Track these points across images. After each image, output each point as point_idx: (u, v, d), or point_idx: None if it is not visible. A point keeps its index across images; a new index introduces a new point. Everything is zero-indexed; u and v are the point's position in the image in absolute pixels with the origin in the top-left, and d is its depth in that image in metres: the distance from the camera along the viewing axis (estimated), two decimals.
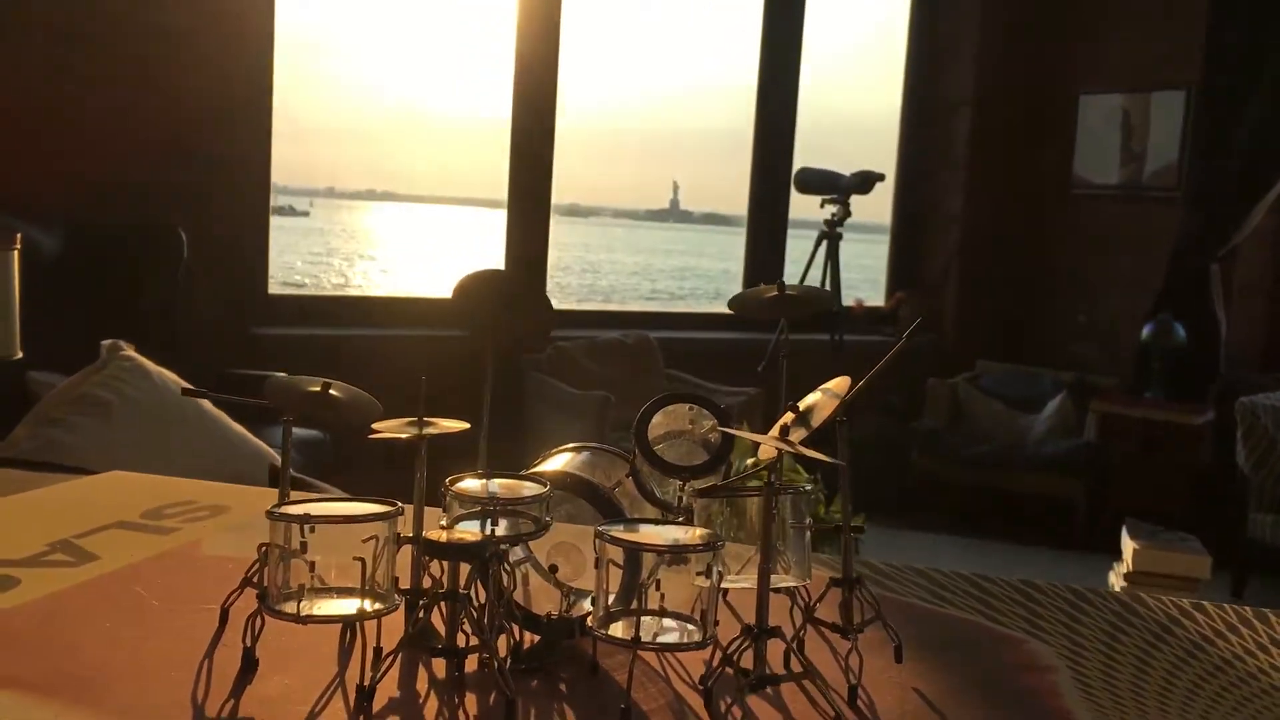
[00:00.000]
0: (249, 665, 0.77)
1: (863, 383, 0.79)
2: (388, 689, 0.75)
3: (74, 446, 1.92)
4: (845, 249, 4.96)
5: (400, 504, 0.78)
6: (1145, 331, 5.13)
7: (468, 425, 0.87)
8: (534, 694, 0.76)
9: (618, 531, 0.75)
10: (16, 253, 2.04)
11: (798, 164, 5.29)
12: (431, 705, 0.74)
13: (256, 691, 0.73)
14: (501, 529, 0.78)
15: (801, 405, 0.79)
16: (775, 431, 0.74)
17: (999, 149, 5.72)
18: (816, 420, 0.76)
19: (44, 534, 1.01)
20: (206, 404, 2.19)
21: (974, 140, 5.74)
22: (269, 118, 4.13)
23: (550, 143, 4.78)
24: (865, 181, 4.89)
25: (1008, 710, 0.77)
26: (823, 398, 0.79)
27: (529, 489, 0.80)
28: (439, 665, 0.79)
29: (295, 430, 0.85)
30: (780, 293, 0.87)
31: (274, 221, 4.48)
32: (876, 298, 6.24)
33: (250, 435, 2.05)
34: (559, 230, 5.22)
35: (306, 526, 0.77)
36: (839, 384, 0.79)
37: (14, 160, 3.67)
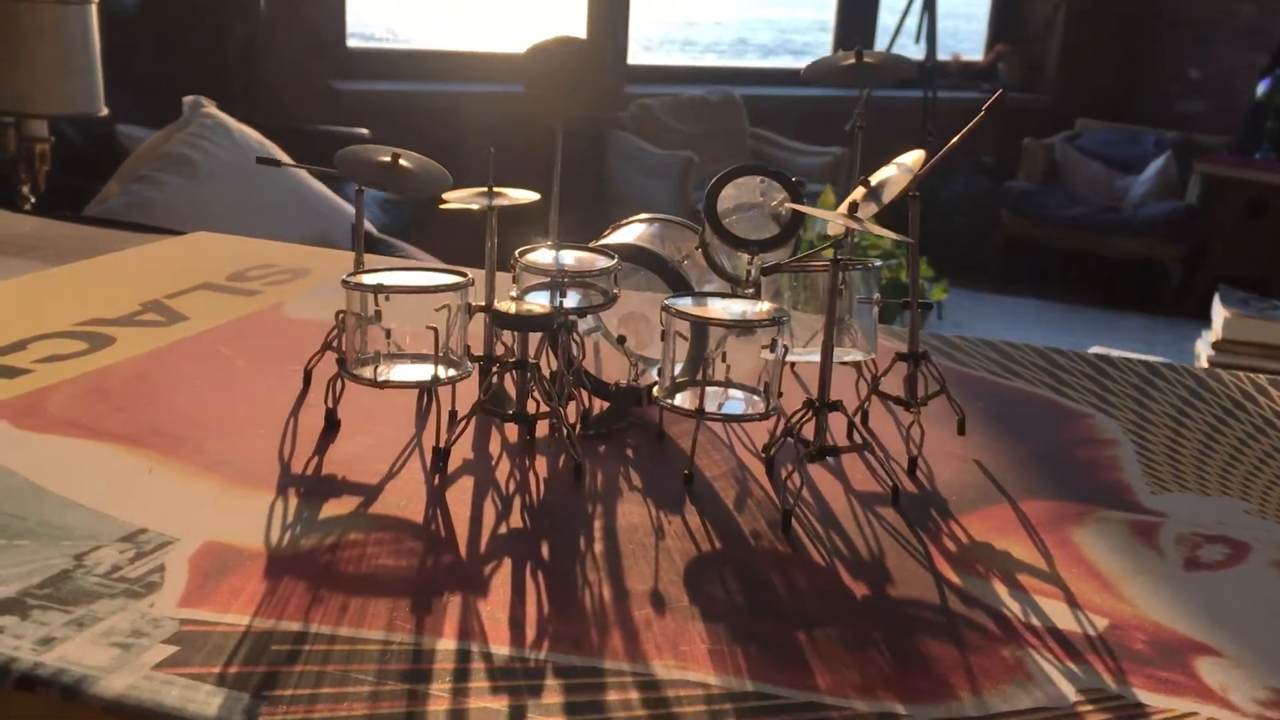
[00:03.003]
0: (331, 426, 0.80)
1: (937, 158, 0.77)
2: (462, 451, 0.78)
3: (161, 204, 1.96)
4: (942, 4, 4.73)
5: (471, 274, 0.79)
6: (1261, 88, 4.87)
7: (538, 196, 0.87)
8: (601, 458, 0.79)
9: (684, 305, 0.76)
10: (94, 6, 2.03)
11: None
12: (504, 466, 0.77)
13: (339, 450, 0.77)
14: (570, 301, 0.79)
15: (873, 180, 0.77)
16: (844, 208, 0.73)
17: None
18: (888, 196, 0.75)
19: (136, 294, 1.05)
20: (287, 159, 2.21)
21: None
22: None
23: None
24: None
25: (1064, 482, 0.78)
26: (896, 172, 0.77)
27: (598, 261, 0.80)
28: (511, 430, 0.82)
29: (376, 192, 0.85)
30: (858, 60, 0.84)
31: None
32: (975, 52, 5.97)
33: (332, 194, 2.07)
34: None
35: (380, 295, 0.79)
36: (915, 159, 0.77)
37: None
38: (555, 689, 0.52)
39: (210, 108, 2.31)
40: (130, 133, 2.76)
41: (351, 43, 4.46)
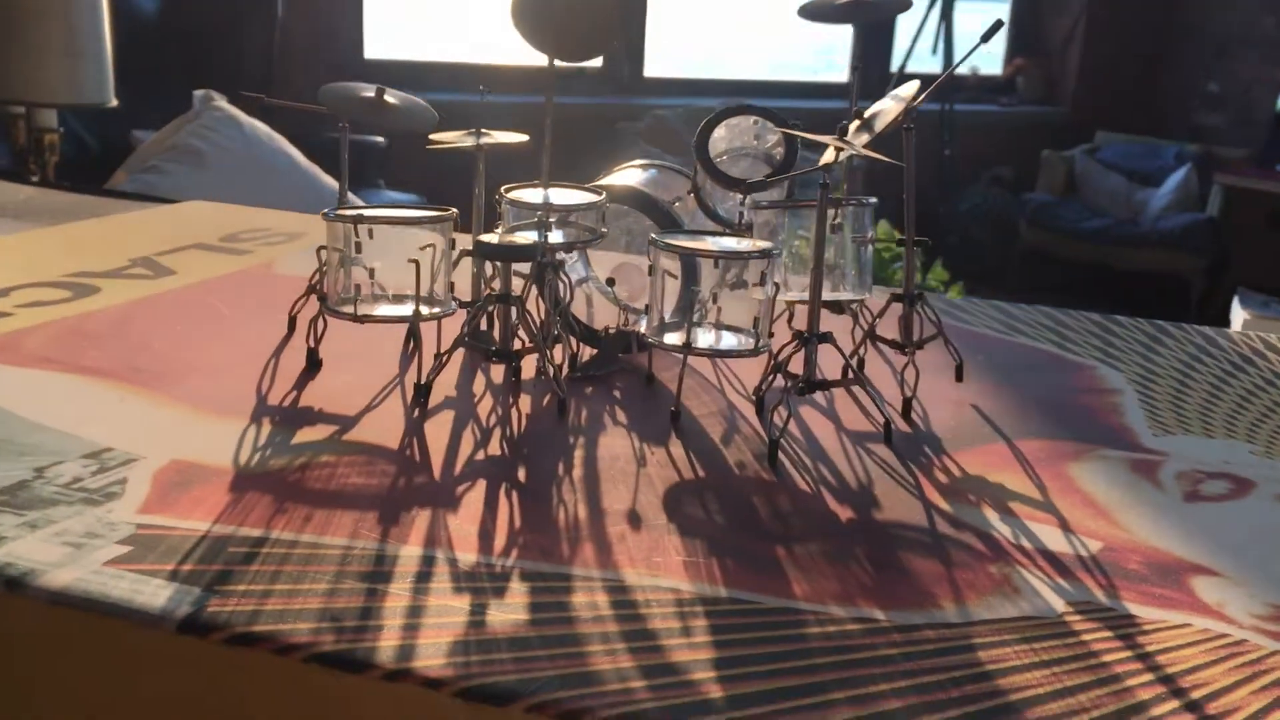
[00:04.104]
0: (313, 364, 0.79)
1: (933, 87, 0.75)
2: (444, 389, 0.76)
3: (168, 191, 1.96)
4: (962, 21, 4.71)
5: (456, 210, 0.78)
6: None
7: (526, 138, 0.86)
8: (588, 398, 0.77)
9: (673, 239, 0.74)
10: None
11: None
12: (486, 403, 0.75)
13: (319, 386, 0.76)
14: (557, 239, 0.77)
15: (867, 113, 0.76)
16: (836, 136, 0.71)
17: None
18: (880, 125, 0.73)
19: (126, 251, 1.04)
20: (297, 154, 2.21)
21: None
22: None
23: None
24: None
25: (1064, 426, 0.76)
26: (891, 104, 0.75)
27: (586, 198, 0.79)
28: (497, 372, 0.80)
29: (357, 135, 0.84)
30: None
31: None
32: (994, 67, 5.95)
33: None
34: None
35: (364, 230, 0.77)
36: (909, 89, 0.75)
37: None
38: (520, 591, 0.50)
39: (220, 101, 2.31)
40: (144, 137, 2.77)
41: (369, 54, 4.48)
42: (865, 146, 0.71)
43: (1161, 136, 5.43)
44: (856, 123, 0.74)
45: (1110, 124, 5.57)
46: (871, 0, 0.82)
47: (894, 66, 4.98)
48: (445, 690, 0.42)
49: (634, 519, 0.58)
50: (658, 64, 5.20)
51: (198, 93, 2.32)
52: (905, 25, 5.46)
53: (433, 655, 0.44)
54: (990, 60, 6.09)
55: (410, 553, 0.53)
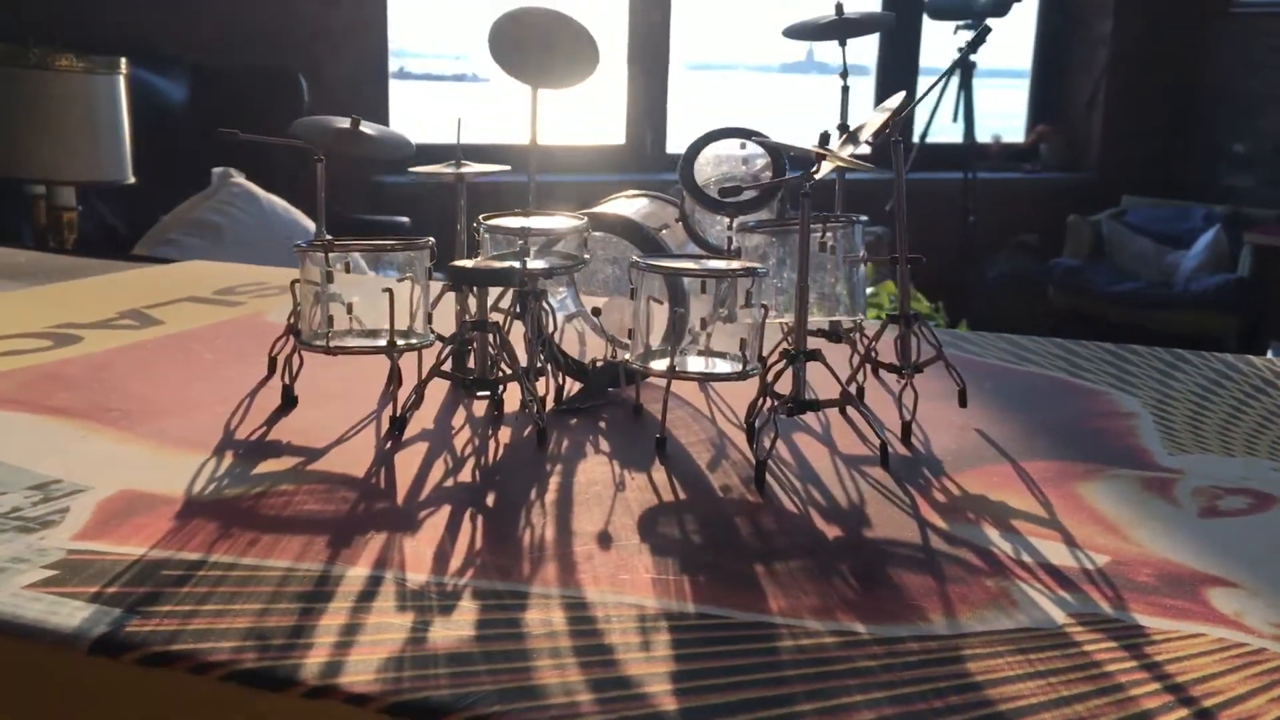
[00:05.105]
0: (288, 402, 0.76)
1: (922, 95, 0.72)
2: (423, 422, 0.73)
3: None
4: (983, 94, 4.72)
5: (432, 239, 0.75)
6: None
7: (508, 167, 0.84)
8: (571, 429, 0.73)
9: (655, 261, 0.71)
10: (123, 76, 2.06)
11: None
12: (464, 435, 0.72)
13: (292, 422, 0.73)
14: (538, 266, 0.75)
15: (854, 125, 0.73)
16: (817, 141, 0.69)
17: None
18: (865, 135, 0.70)
19: (116, 304, 1.02)
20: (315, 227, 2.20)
21: None
22: None
23: (668, 3, 4.63)
24: (1002, 3, 4.61)
25: (1073, 448, 0.72)
26: (881, 117, 0.73)
27: (567, 224, 0.76)
28: (479, 407, 0.77)
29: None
30: (838, 14, 0.80)
31: (452, 88, 4.45)
32: (1016, 135, 5.95)
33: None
34: (684, 85, 5.12)
35: (339, 266, 0.75)
36: (896, 100, 0.73)
37: (140, 9, 3.72)
38: (469, 609, 0.46)
39: (238, 177, 2.33)
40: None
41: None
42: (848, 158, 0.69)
43: (1188, 198, 5.39)
44: (841, 135, 0.72)
45: (1136, 188, 5.54)
46: (855, 18, 0.80)
47: (916, 136, 4.98)
48: (371, 706, 0.39)
49: (604, 539, 0.55)
50: (679, 139, 5.24)
51: (216, 170, 2.34)
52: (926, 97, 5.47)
53: (361, 672, 0.40)
54: (1012, 129, 6.09)
55: (358, 573, 0.49)
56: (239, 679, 0.40)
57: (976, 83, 4.82)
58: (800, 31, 0.81)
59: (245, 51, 3.80)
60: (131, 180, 2.18)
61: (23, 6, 3.13)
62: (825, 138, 0.68)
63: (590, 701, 0.39)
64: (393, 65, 4.39)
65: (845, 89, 0.82)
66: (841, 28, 0.79)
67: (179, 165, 2.79)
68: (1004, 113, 6.08)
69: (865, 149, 0.70)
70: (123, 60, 2.13)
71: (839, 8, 0.81)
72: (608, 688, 0.40)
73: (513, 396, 0.75)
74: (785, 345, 0.68)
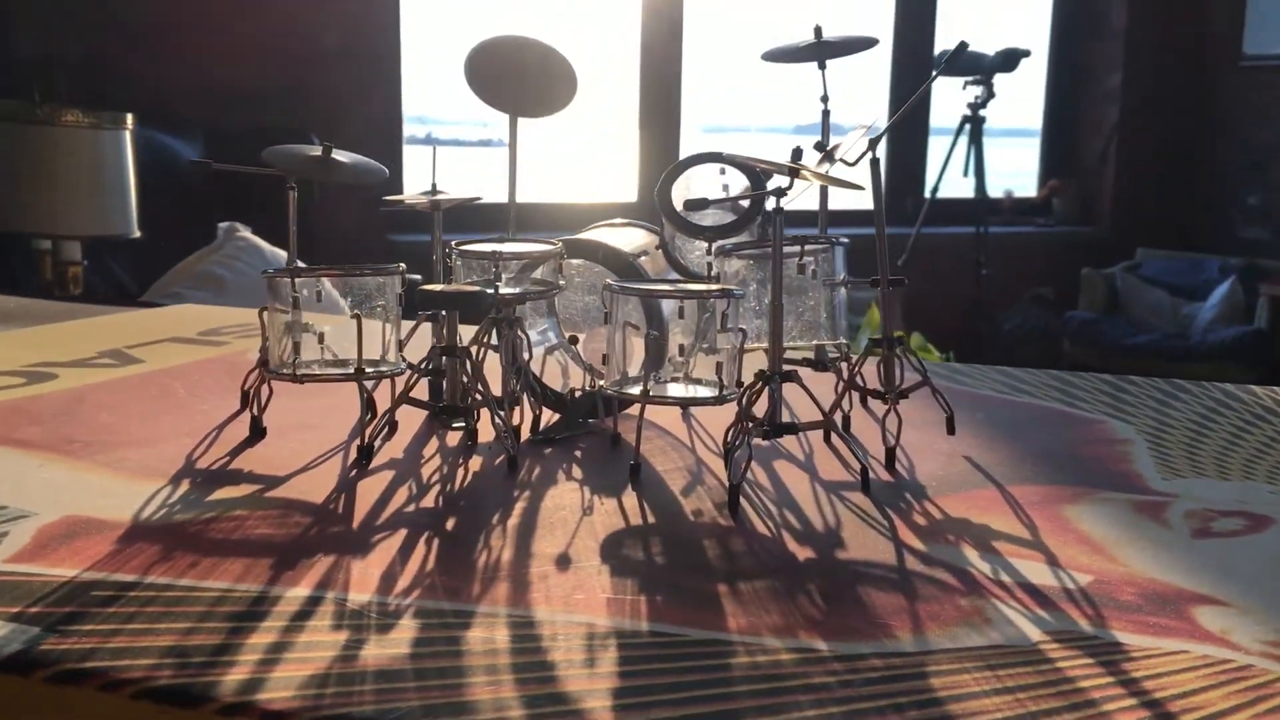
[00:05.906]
0: (257, 433, 0.74)
1: (899, 115, 0.71)
2: (393, 451, 0.71)
3: None
4: (995, 153, 4.72)
5: (403, 265, 0.74)
6: None
7: (482, 197, 0.83)
8: (544, 458, 0.71)
9: (630, 284, 0.70)
10: (129, 132, 2.08)
11: (938, 47, 5.04)
12: (433, 464, 0.70)
13: (258, 453, 0.71)
14: (510, 291, 0.73)
15: (830, 145, 0.72)
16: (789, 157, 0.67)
17: (1161, 16, 5.34)
18: (840, 153, 0.68)
19: (97, 344, 1.01)
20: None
21: (1133, 7, 5.36)
22: (398, 45, 4.10)
23: (678, 62, 4.66)
24: (1010, 59, 4.62)
25: (1064, 472, 0.69)
26: (855, 134, 0.71)
27: (540, 249, 0.75)
28: (453, 438, 0.75)
29: None
30: (817, 38, 0.79)
31: (476, 153, 4.48)
32: (1028, 190, 5.94)
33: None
34: (697, 145, 5.15)
35: (310, 293, 0.74)
36: (874, 119, 0.71)
37: (155, 72, 3.77)
38: (408, 628, 0.44)
39: (244, 231, 2.33)
40: None
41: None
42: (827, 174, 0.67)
43: (1203, 251, 5.36)
44: (818, 155, 0.70)
45: (1150, 240, 5.51)
46: (834, 40, 0.79)
47: (926, 191, 4.98)
48: None
49: (563, 561, 0.52)
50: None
51: (222, 224, 2.34)
52: (935, 152, 5.49)
53: (282, 689, 0.38)
54: (1025, 185, 6.09)
55: (297, 594, 0.47)
56: (151, 696, 0.38)
57: (987, 141, 4.82)
58: (780, 55, 0.80)
59: (259, 112, 3.84)
60: (137, 234, 2.19)
61: (41, 69, 3.17)
62: (798, 153, 0.66)
63: (522, 717, 0.36)
64: (419, 131, 4.42)
65: (826, 112, 0.81)
66: (820, 50, 0.78)
67: (189, 221, 2.80)
68: (1016, 170, 6.09)
69: (842, 166, 0.69)
70: (129, 116, 2.15)
71: (818, 30, 0.80)
72: (541, 703, 0.38)
73: (487, 425, 0.73)
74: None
